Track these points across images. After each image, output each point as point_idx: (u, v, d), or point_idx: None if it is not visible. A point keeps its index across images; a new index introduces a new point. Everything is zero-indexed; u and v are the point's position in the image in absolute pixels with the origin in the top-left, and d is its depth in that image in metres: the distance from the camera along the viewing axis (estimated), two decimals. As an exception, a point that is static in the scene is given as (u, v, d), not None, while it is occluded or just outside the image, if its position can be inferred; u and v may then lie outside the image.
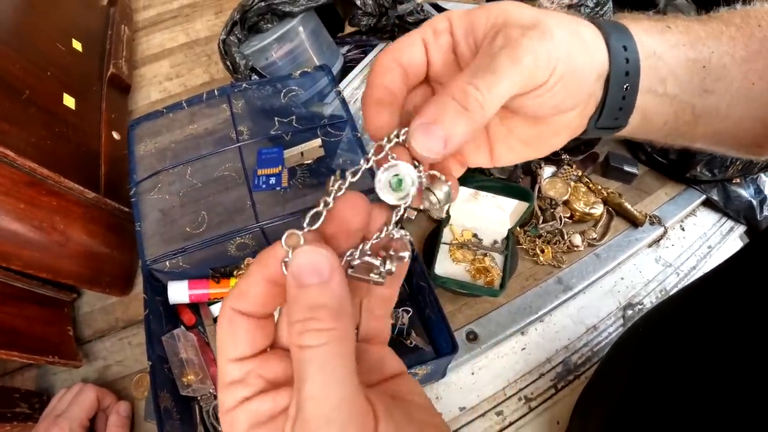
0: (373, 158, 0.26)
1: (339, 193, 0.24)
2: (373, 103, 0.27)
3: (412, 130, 0.25)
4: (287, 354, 0.23)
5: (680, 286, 0.78)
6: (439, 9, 0.85)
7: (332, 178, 0.24)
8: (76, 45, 0.89)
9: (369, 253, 0.24)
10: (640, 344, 0.51)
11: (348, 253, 0.24)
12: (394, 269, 0.24)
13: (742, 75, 0.32)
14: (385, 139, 0.26)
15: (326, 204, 0.23)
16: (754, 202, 0.82)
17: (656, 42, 0.31)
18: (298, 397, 0.20)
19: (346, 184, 0.24)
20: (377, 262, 0.24)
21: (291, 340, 0.20)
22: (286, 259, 0.22)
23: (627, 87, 0.30)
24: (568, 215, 0.80)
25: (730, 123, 0.33)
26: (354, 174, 0.25)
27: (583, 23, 0.29)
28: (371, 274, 0.24)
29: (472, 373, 0.70)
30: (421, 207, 0.27)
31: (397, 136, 0.26)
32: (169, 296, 0.67)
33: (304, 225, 0.23)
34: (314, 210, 0.23)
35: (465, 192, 0.75)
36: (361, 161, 0.26)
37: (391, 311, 0.28)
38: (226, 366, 0.22)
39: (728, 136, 0.35)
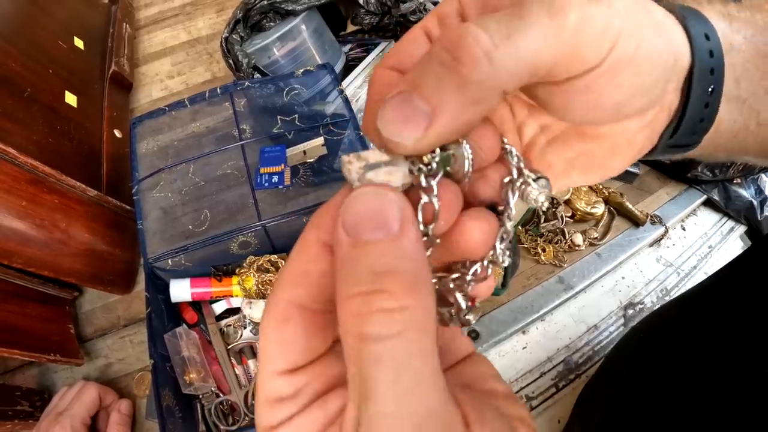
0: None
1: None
2: (374, 126, 0.18)
3: (379, 109, 0.17)
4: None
5: (681, 286, 0.78)
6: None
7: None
8: (78, 43, 0.89)
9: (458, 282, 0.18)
10: (641, 348, 0.51)
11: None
12: (472, 320, 0.18)
13: None
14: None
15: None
16: (755, 202, 0.83)
17: (729, 32, 0.24)
18: (361, 411, 0.14)
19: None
20: (463, 303, 0.18)
21: (345, 326, 0.15)
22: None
23: (712, 89, 0.22)
24: (570, 214, 0.81)
25: None
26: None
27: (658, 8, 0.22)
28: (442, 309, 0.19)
29: (474, 372, 0.70)
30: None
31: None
32: (171, 294, 0.67)
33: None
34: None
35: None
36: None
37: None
38: (271, 380, 0.17)
39: None
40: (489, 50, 0.16)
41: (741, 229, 0.85)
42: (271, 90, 0.75)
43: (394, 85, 0.18)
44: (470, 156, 0.18)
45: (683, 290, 0.78)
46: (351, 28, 0.94)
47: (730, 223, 0.85)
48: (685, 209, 0.84)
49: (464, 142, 0.18)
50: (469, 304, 0.19)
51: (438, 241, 0.18)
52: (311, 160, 0.69)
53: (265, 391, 0.17)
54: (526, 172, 0.20)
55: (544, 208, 0.20)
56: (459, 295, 0.18)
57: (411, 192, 0.17)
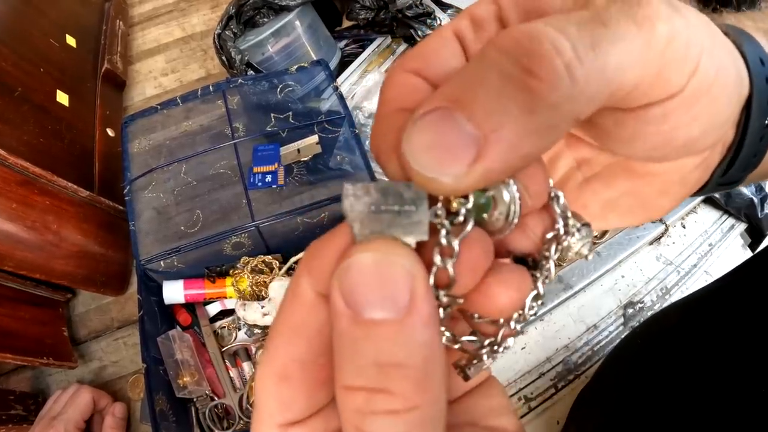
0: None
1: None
2: (393, 147, 0.15)
3: (408, 125, 0.13)
4: None
5: (681, 284, 0.77)
6: (438, 2, 0.83)
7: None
8: (70, 40, 0.88)
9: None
10: (639, 355, 0.51)
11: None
12: (488, 364, 0.16)
13: None
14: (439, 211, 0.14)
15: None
16: (755, 200, 0.82)
17: None
18: None
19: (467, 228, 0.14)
20: (487, 361, 0.16)
21: (345, 415, 0.13)
22: None
23: None
24: (569, 213, 0.80)
25: None
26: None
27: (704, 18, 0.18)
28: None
29: (472, 373, 0.70)
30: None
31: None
32: (164, 296, 0.67)
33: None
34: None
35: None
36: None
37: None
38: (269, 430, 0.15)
39: None
40: (572, 64, 0.12)
41: (741, 226, 0.84)
42: (264, 87, 0.74)
43: (422, 95, 0.14)
44: (518, 203, 0.14)
45: (683, 288, 0.77)
46: (346, 23, 0.92)
47: (731, 221, 0.84)
48: (685, 207, 0.83)
49: (512, 182, 0.14)
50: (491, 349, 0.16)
51: (459, 301, 0.14)
52: (305, 158, 0.68)
53: None
54: (571, 222, 0.16)
55: (589, 259, 0.15)
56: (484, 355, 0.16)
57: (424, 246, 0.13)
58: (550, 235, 0.16)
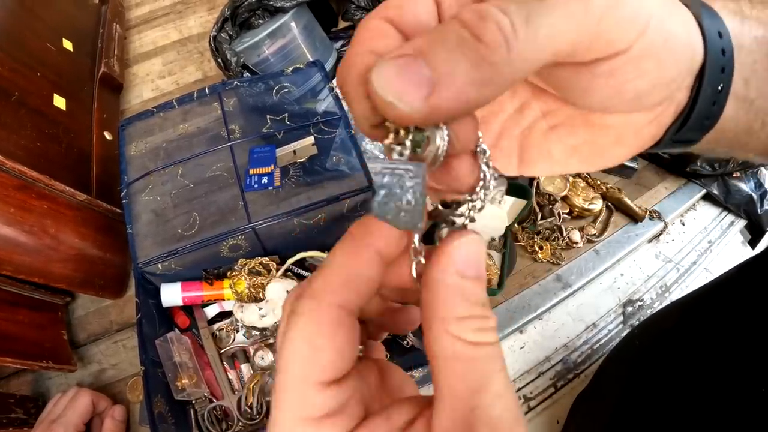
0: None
1: None
2: (358, 80, 0.17)
3: (377, 64, 0.16)
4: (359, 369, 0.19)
5: (680, 282, 0.77)
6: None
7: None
8: (67, 44, 0.88)
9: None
10: (637, 356, 0.50)
11: None
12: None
13: None
14: (391, 136, 0.18)
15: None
16: (755, 196, 0.81)
17: (740, 31, 0.23)
18: (475, 399, 0.16)
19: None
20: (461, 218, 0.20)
21: (458, 336, 0.16)
22: (415, 244, 0.18)
23: (721, 88, 0.22)
24: (567, 211, 0.79)
25: None
26: None
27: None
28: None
29: (470, 373, 0.70)
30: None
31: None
32: (162, 299, 0.67)
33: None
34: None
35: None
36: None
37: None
38: (307, 392, 0.16)
39: None
40: (509, 36, 0.15)
41: (741, 223, 0.83)
42: (260, 89, 0.74)
43: (392, 42, 0.17)
44: (446, 145, 0.17)
45: (683, 286, 0.77)
46: (342, 24, 0.92)
47: (730, 218, 0.84)
48: (684, 204, 0.82)
49: (444, 128, 0.17)
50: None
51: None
52: (301, 159, 0.68)
53: (302, 407, 0.16)
54: (491, 171, 0.20)
55: (501, 206, 0.20)
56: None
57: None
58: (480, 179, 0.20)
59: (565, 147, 0.24)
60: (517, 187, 0.72)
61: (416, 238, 0.19)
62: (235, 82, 0.73)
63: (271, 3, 0.75)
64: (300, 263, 0.70)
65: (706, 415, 0.34)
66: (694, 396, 0.37)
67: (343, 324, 0.17)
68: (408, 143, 0.17)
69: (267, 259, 0.68)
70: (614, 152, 0.24)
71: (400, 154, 0.17)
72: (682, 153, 0.81)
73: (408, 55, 0.15)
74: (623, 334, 0.70)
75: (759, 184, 0.83)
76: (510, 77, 0.16)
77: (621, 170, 0.83)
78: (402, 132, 0.17)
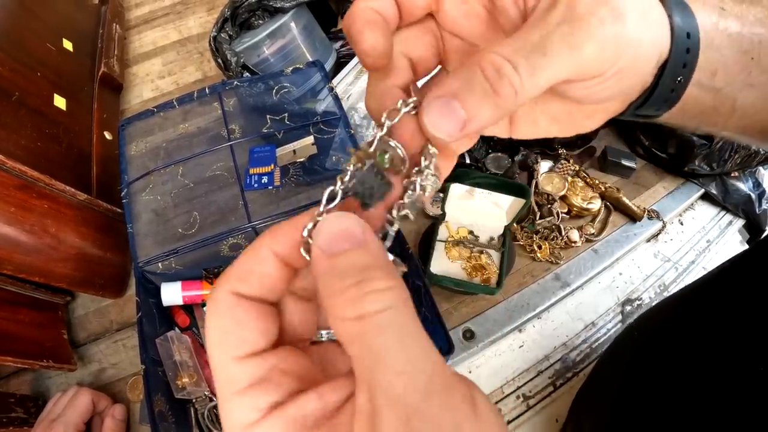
0: (382, 127, 0.22)
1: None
2: (365, 21, 0.22)
3: (426, 105, 0.21)
4: (297, 351, 0.20)
5: (679, 281, 0.78)
6: None
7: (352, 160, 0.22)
8: (67, 44, 0.88)
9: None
10: (636, 348, 0.51)
11: None
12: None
13: None
14: (384, 116, 0.23)
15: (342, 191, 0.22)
16: (753, 196, 0.82)
17: (714, 30, 0.27)
18: (376, 378, 0.16)
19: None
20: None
21: (340, 315, 0.17)
22: (306, 236, 0.20)
23: (680, 80, 0.26)
24: (566, 210, 0.80)
25: (765, 116, 0.30)
26: (369, 146, 0.22)
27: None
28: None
29: (470, 372, 0.70)
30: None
31: (403, 107, 0.22)
32: (162, 298, 0.67)
33: (322, 207, 0.21)
34: (330, 188, 0.21)
35: (460, 189, 0.74)
36: (373, 130, 0.24)
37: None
38: (229, 368, 0.18)
39: (758, 128, 0.32)
40: (517, 87, 0.21)
41: (739, 222, 0.84)
42: (260, 89, 0.74)
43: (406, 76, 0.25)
44: (405, 155, 0.22)
45: (682, 285, 0.77)
46: (342, 24, 0.93)
47: (729, 217, 0.84)
48: (683, 203, 0.83)
49: (395, 145, 0.22)
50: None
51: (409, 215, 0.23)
52: (301, 159, 0.69)
53: (225, 383, 0.18)
54: (432, 169, 0.23)
55: (428, 195, 0.22)
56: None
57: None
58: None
59: (547, 117, 0.28)
60: (516, 186, 0.73)
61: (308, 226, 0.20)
62: (235, 82, 0.73)
63: (270, 3, 0.75)
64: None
65: (705, 401, 0.35)
66: (692, 383, 0.37)
67: (239, 304, 0.19)
68: (380, 158, 0.22)
69: (267, 258, 0.68)
70: (585, 123, 0.29)
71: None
72: (680, 153, 0.81)
73: (446, 97, 0.21)
74: (621, 330, 0.70)
75: (757, 184, 0.84)
76: (516, 108, 0.22)
77: (619, 170, 0.84)
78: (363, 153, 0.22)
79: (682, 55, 0.25)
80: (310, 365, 0.20)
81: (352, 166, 0.22)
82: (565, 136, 0.30)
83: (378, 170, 0.22)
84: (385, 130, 0.22)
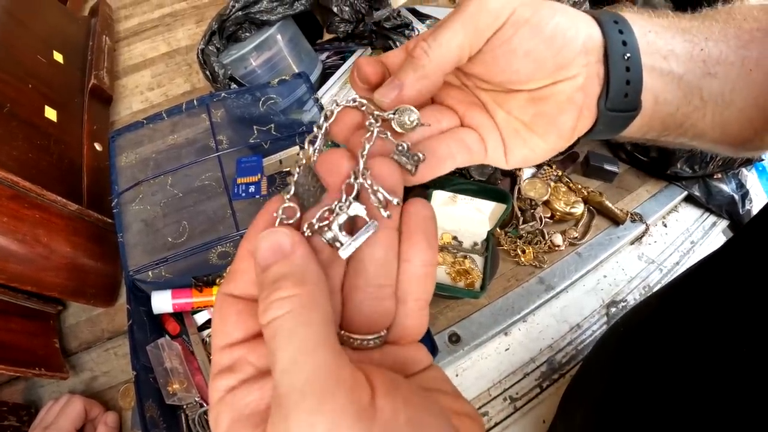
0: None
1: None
2: (363, 90, 0.30)
3: (381, 88, 0.28)
4: None
5: (664, 282, 0.78)
6: (416, 13, 0.85)
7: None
8: (57, 56, 0.90)
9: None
10: (621, 344, 0.51)
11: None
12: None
13: (740, 61, 0.30)
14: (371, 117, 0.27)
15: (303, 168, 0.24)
16: (736, 197, 0.83)
17: (648, 23, 0.30)
18: (274, 377, 0.18)
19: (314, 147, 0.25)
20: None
21: (262, 321, 0.19)
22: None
23: (628, 56, 0.28)
24: (549, 215, 0.81)
25: (735, 111, 0.32)
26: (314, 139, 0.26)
27: (567, 6, 0.29)
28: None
29: (456, 375, 0.71)
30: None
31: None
32: (152, 306, 0.68)
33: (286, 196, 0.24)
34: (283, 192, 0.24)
35: (443, 195, 0.75)
36: (321, 121, 0.27)
37: (428, 299, 0.25)
38: (215, 355, 0.21)
39: (733, 128, 0.33)
40: (426, 49, 0.27)
41: (723, 223, 0.85)
42: (248, 100, 0.75)
43: (383, 75, 0.29)
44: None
45: (666, 287, 0.78)
46: (327, 36, 0.94)
47: (712, 218, 0.85)
48: (666, 206, 0.84)
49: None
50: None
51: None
52: (287, 169, 0.70)
53: (213, 366, 0.21)
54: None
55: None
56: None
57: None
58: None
59: (523, 124, 0.30)
60: (497, 192, 0.74)
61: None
62: (223, 94, 0.75)
63: (257, 16, 0.77)
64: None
65: (689, 391, 0.35)
66: (676, 373, 0.38)
67: (225, 303, 0.22)
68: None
69: (255, 265, 0.69)
70: (561, 120, 0.30)
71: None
72: (663, 156, 0.82)
73: (393, 77, 0.28)
74: (608, 327, 0.71)
75: (740, 185, 0.85)
76: (434, 72, 0.27)
77: (603, 174, 0.85)
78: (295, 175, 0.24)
79: (617, 37, 0.28)
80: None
81: (297, 169, 0.24)
82: (552, 148, 0.31)
83: (313, 174, 0.24)
84: (315, 156, 0.25)
